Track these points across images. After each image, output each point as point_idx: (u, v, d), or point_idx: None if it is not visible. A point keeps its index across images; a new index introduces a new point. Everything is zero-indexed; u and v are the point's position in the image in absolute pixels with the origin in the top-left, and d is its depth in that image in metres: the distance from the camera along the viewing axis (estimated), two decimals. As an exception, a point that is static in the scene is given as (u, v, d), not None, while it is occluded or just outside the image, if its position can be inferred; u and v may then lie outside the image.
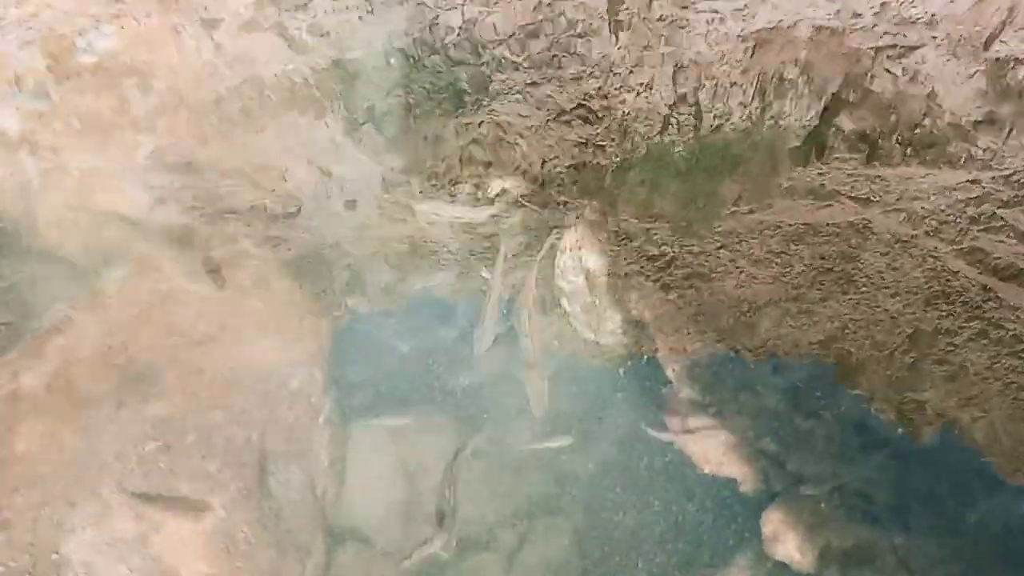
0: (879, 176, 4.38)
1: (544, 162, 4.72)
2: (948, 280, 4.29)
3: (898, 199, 4.41)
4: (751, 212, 4.56)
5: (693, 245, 4.54)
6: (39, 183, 4.28)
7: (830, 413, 4.24)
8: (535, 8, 4.49)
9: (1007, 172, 4.20)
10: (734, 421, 4.20)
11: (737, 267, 4.49)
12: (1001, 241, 4.21)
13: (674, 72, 4.49)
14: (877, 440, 4.16)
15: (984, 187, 4.26)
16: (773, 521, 4.06)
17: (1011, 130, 4.28)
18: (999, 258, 4.23)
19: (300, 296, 4.27)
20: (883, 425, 4.20)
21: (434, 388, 4.74)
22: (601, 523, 4.38)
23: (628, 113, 4.53)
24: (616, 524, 4.26)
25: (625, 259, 4.60)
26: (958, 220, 4.31)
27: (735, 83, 4.46)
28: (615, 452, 4.42)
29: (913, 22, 4.13)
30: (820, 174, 4.41)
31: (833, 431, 4.20)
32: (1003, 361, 4.14)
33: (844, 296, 4.38)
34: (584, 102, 4.62)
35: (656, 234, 4.59)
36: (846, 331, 4.35)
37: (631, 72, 4.56)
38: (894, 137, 4.35)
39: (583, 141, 4.69)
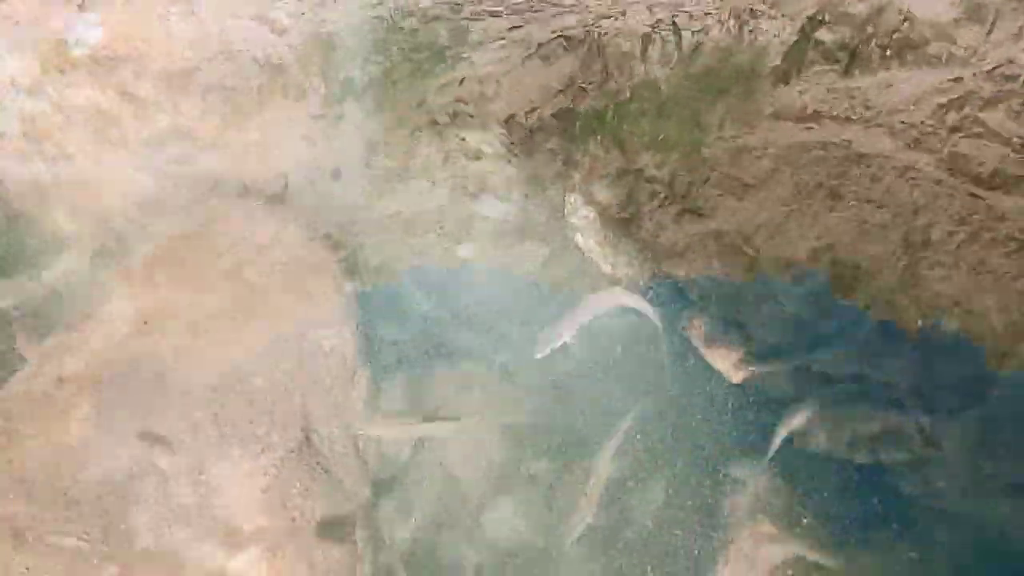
0: (858, 88, 4.52)
1: (528, 113, 4.86)
2: (933, 189, 4.41)
3: (878, 113, 4.54)
4: (736, 138, 4.68)
5: (682, 175, 4.67)
6: (50, 180, 4.45)
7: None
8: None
9: (989, 67, 4.31)
10: (759, 331, 4.39)
11: (730, 192, 4.59)
12: (985, 145, 4.33)
13: (649, 6, 4.70)
14: (900, 334, 4.36)
15: (966, 86, 4.37)
16: (801, 417, 4.32)
17: (994, 22, 4.32)
18: (982, 164, 4.37)
19: (324, 258, 4.47)
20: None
21: (462, 343, 4.82)
22: (626, 440, 4.53)
23: (606, 33, 4.62)
24: (643, 436, 4.48)
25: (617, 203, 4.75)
26: (938, 130, 4.42)
27: (709, 13, 4.65)
28: (640, 371, 4.60)
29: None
30: (800, 92, 4.54)
31: (857, 330, 4.42)
32: (994, 260, 4.28)
33: (832, 213, 4.51)
34: (562, 32, 4.72)
35: (646, 170, 4.72)
36: (838, 244, 4.49)
37: (607, 8, 4.70)
38: (872, 42, 4.51)
39: (564, 87, 4.79)
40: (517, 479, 4.61)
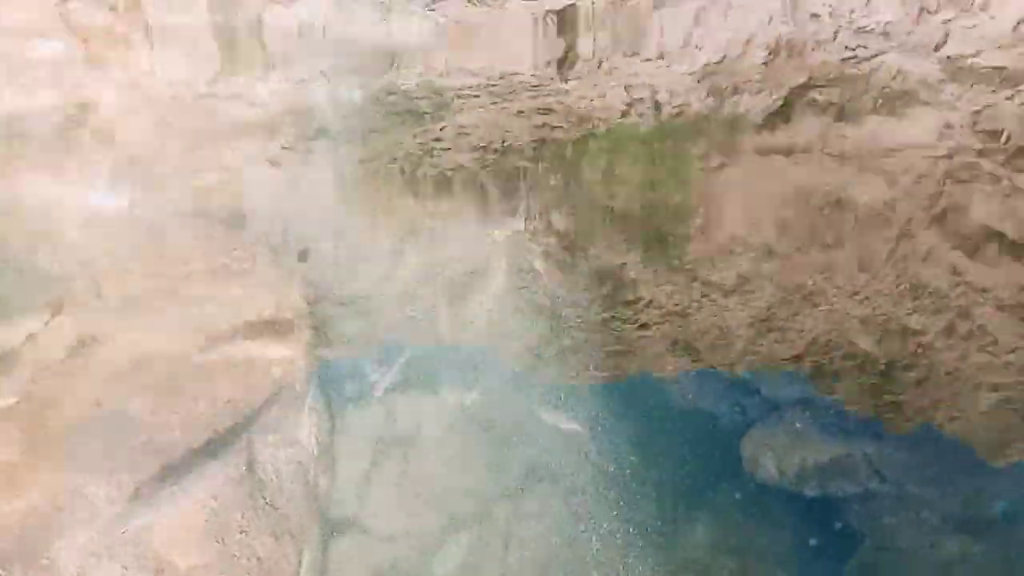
0: (848, 135, 4.65)
1: (504, 141, 4.98)
2: (918, 272, 4.50)
3: (870, 152, 4.66)
4: (722, 166, 4.76)
5: (667, 284, 4.74)
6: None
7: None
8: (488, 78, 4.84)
9: (975, 108, 4.48)
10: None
11: (711, 300, 4.71)
12: (976, 192, 4.43)
13: (627, 87, 4.90)
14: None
15: (954, 134, 4.51)
16: (751, 445, 4.37)
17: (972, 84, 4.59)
18: (971, 220, 4.45)
19: (283, 284, 4.48)
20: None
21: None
22: (589, 479, 4.57)
23: (585, 107, 4.84)
24: (602, 471, 4.49)
25: (600, 305, 4.75)
26: (933, 172, 4.52)
27: (690, 90, 4.83)
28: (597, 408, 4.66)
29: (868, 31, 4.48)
30: (790, 137, 4.70)
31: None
32: (972, 358, 4.35)
33: (815, 309, 4.58)
34: (542, 107, 4.94)
35: (630, 270, 4.76)
36: (816, 344, 4.59)
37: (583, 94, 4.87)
38: (864, 97, 4.71)
39: (542, 124, 4.95)
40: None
